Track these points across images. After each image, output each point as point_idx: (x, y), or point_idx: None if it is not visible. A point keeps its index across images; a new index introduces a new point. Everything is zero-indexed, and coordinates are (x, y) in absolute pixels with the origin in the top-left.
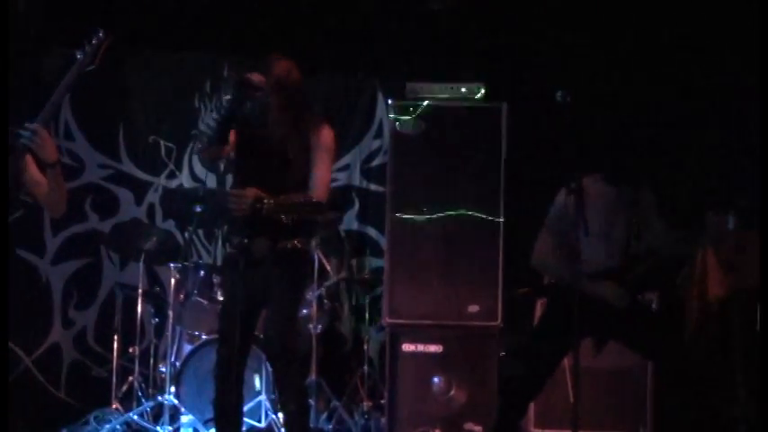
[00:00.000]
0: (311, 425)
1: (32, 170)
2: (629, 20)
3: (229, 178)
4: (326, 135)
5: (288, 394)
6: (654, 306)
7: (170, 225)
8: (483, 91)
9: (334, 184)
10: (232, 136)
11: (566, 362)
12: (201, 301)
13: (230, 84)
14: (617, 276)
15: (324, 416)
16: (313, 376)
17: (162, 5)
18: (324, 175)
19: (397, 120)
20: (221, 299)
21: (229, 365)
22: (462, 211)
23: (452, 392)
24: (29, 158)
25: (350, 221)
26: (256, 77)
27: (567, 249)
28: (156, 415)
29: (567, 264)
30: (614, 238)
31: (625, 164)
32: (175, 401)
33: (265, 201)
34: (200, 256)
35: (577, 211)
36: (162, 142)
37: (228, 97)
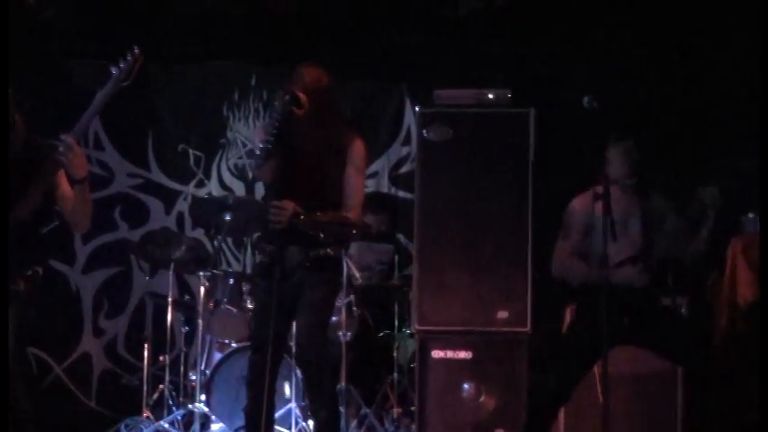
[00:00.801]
0: None
1: (63, 184)
2: (656, 24)
3: (258, 186)
4: (360, 149)
5: (318, 401)
6: (683, 310)
7: (199, 233)
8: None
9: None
10: None
11: (595, 368)
12: (231, 309)
13: (280, 100)
14: (635, 260)
15: (354, 423)
16: (343, 383)
17: (191, 15)
18: (359, 193)
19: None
20: (251, 307)
21: (262, 373)
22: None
23: (482, 399)
24: (61, 172)
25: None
26: (303, 96)
27: (586, 251)
28: (187, 423)
29: (589, 262)
30: (631, 235)
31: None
32: (206, 409)
33: (302, 216)
34: (229, 265)
35: (605, 214)
36: (191, 151)
37: (277, 114)
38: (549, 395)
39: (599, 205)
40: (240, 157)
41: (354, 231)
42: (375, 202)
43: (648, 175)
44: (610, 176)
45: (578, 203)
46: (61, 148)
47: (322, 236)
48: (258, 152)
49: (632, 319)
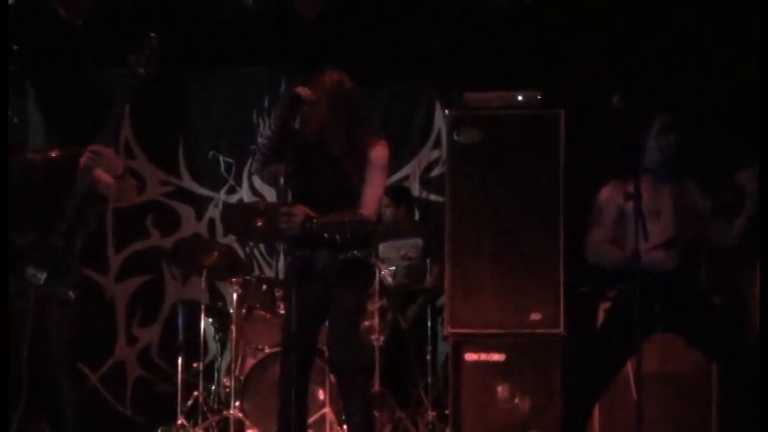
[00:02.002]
0: None
1: (102, 177)
2: (686, 23)
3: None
4: (382, 152)
5: (353, 406)
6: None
7: (231, 240)
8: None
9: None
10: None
11: (629, 368)
12: (264, 314)
13: (281, 100)
14: (667, 245)
15: (388, 427)
16: (376, 387)
17: (220, 22)
18: (376, 194)
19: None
20: (283, 312)
21: (293, 377)
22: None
23: (516, 401)
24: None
25: None
26: (305, 92)
27: (620, 237)
28: (222, 429)
29: (623, 248)
30: (663, 220)
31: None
32: (240, 415)
33: (315, 220)
34: (261, 271)
35: (636, 215)
36: (221, 157)
37: (278, 114)
38: (583, 392)
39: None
40: None
41: (370, 229)
42: (393, 193)
43: (682, 162)
44: (645, 165)
45: (606, 193)
46: (89, 159)
47: (338, 238)
48: (259, 155)
49: (663, 306)
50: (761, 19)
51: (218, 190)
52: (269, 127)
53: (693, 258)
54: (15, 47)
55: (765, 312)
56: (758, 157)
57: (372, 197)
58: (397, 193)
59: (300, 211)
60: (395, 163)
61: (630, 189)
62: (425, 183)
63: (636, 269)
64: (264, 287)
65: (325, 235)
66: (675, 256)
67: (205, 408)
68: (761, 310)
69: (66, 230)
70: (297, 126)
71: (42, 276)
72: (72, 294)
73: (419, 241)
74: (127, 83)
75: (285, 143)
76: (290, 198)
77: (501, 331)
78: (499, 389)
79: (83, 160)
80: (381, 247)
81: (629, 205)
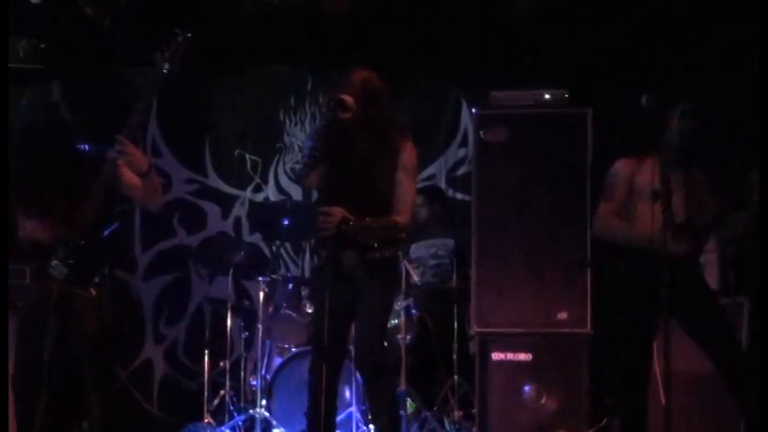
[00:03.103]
0: None
1: (127, 176)
2: (715, 21)
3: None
4: (411, 154)
5: (379, 405)
6: (745, 310)
7: (257, 238)
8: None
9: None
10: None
11: (656, 368)
12: (290, 313)
13: (326, 106)
14: (677, 229)
15: (415, 426)
16: (403, 387)
17: (246, 21)
18: (409, 198)
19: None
20: (310, 311)
21: (322, 376)
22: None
23: (543, 400)
24: (122, 166)
25: None
26: (347, 98)
27: (628, 213)
28: (248, 428)
29: (630, 225)
30: (674, 205)
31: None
32: (267, 414)
33: (351, 222)
34: (287, 269)
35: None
36: (247, 156)
37: (323, 120)
38: (627, 383)
39: (642, 172)
40: (297, 162)
41: (403, 235)
42: (427, 193)
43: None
44: (662, 146)
45: (622, 165)
46: (116, 152)
47: (370, 242)
48: (305, 160)
49: (670, 292)
50: (761, 19)
51: (244, 188)
52: (312, 131)
53: (700, 247)
54: (42, 45)
55: (765, 312)
56: (758, 157)
57: (406, 202)
58: (432, 193)
59: (338, 212)
60: (421, 162)
61: (643, 165)
62: (452, 181)
63: (660, 254)
64: (291, 286)
65: (359, 238)
66: (686, 241)
67: (231, 406)
68: (761, 310)
69: (91, 226)
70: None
71: (65, 271)
72: (93, 291)
73: (450, 241)
74: (152, 80)
75: (328, 147)
76: (318, 197)
77: (527, 331)
78: (526, 388)
79: (110, 153)
80: (413, 246)
81: (640, 181)
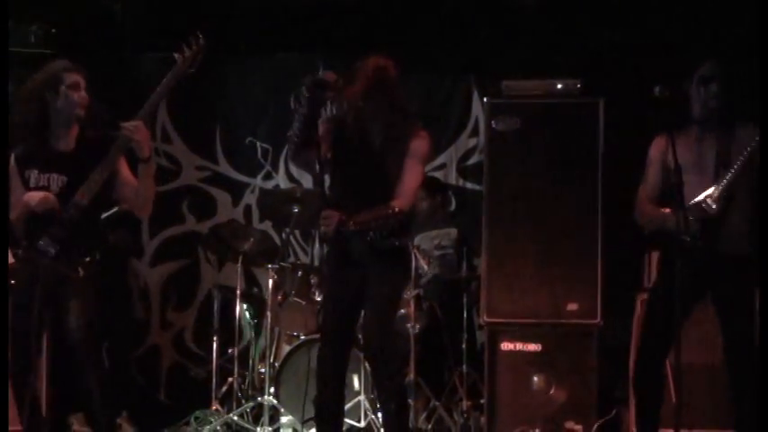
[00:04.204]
0: (410, 424)
1: (124, 171)
2: (727, 13)
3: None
4: (422, 142)
5: (387, 394)
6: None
7: (267, 226)
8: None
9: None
10: (326, 136)
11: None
12: (299, 301)
13: (306, 87)
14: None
15: (423, 415)
16: (411, 376)
17: (256, 7)
18: (412, 184)
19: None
20: (319, 299)
21: (331, 364)
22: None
23: (552, 391)
24: (122, 160)
25: None
26: (328, 76)
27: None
28: (256, 415)
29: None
30: (706, 172)
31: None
32: (275, 402)
33: (351, 223)
34: (297, 257)
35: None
36: (258, 143)
37: (303, 99)
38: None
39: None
40: None
41: (402, 219)
42: (427, 186)
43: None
44: (692, 116)
45: (653, 145)
46: (128, 129)
47: (373, 234)
48: (289, 142)
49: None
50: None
51: (254, 176)
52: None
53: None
54: (53, 30)
55: (765, 312)
56: (758, 156)
57: (408, 187)
58: (431, 185)
59: (334, 216)
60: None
61: (676, 141)
62: (462, 171)
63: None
64: (300, 273)
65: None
66: (717, 201)
67: (239, 394)
68: (761, 310)
69: (86, 206)
70: (330, 113)
71: (53, 250)
72: (81, 272)
73: (453, 231)
74: (171, 76)
75: (311, 130)
76: (327, 184)
77: (537, 321)
78: (535, 379)
79: (121, 133)
80: (417, 238)
81: (672, 159)
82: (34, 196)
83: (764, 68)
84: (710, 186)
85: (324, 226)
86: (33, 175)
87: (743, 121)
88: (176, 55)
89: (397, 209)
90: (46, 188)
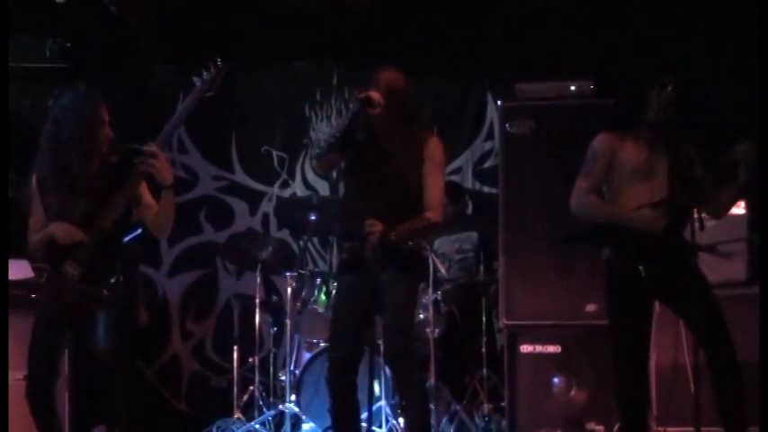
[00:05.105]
0: (432, 429)
1: (145, 195)
2: (738, 13)
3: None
4: (437, 149)
5: (409, 399)
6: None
7: (284, 234)
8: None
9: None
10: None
11: (687, 358)
12: (318, 308)
13: (353, 100)
14: (656, 205)
15: (444, 419)
16: (432, 380)
17: (270, 17)
18: (439, 194)
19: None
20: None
21: (341, 371)
22: None
23: (573, 393)
24: (143, 184)
25: None
26: (375, 95)
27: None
28: (278, 423)
29: (613, 203)
30: (656, 180)
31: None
32: (296, 409)
33: (393, 234)
34: (315, 264)
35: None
36: (274, 152)
37: (350, 113)
38: (626, 378)
39: (625, 148)
40: None
41: (435, 232)
42: (450, 192)
43: (681, 123)
44: (646, 120)
45: (601, 140)
46: (146, 157)
47: (410, 243)
48: (322, 143)
49: (650, 270)
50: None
51: (271, 184)
52: (324, 120)
53: (681, 224)
54: (68, 44)
55: (765, 311)
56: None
57: (437, 198)
58: (454, 191)
59: (377, 227)
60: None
61: (625, 142)
62: (478, 174)
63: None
64: (318, 281)
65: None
66: (664, 217)
67: (261, 402)
68: (761, 309)
69: (110, 230)
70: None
71: (77, 273)
72: (106, 292)
73: (473, 234)
74: (190, 99)
75: (347, 142)
76: (344, 193)
77: (556, 323)
78: (555, 380)
79: (140, 161)
80: (437, 241)
81: (622, 156)
82: (60, 229)
83: (765, 68)
84: (658, 195)
85: (369, 234)
86: (54, 199)
87: (688, 141)
88: (195, 79)
89: (433, 221)
90: (68, 213)
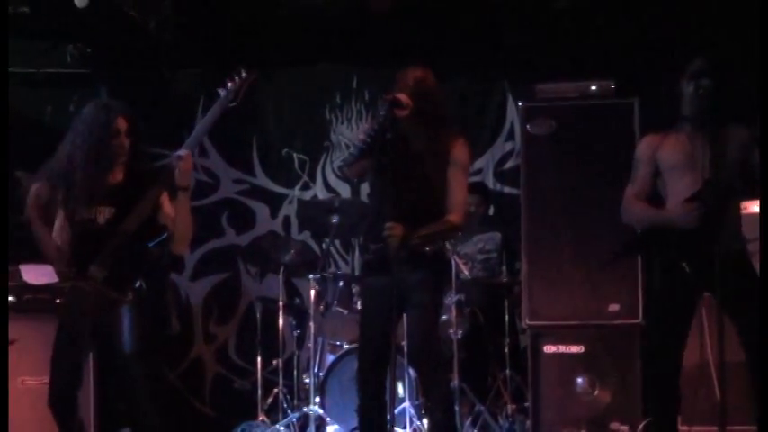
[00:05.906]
0: (457, 430)
1: (166, 204)
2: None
3: (364, 188)
4: (463, 151)
5: (434, 400)
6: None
7: (306, 236)
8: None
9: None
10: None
11: (710, 357)
12: (341, 310)
13: (382, 104)
14: (690, 200)
15: (468, 420)
16: (455, 381)
17: (290, 20)
18: (463, 197)
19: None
20: (360, 307)
21: (370, 372)
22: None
23: (596, 392)
24: (164, 193)
25: None
26: (403, 97)
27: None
28: (303, 425)
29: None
30: (696, 173)
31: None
32: (321, 411)
33: (415, 237)
34: (337, 267)
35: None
36: (295, 155)
37: (379, 117)
38: (660, 375)
39: (665, 147)
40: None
41: (456, 235)
42: (478, 192)
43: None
44: (683, 114)
45: (642, 145)
46: (176, 158)
47: (428, 249)
48: (353, 149)
49: (692, 265)
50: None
51: (292, 187)
52: (371, 122)
53: (722, 215)
54: (89, 50)
55: (765, 309)
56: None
57: (460, 201)
58: (482, 192)
59: (398, 230)
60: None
61: (665, 140)
62: (499, 176)
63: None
64: (341, 283)
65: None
66: (698, 210)
67: (285, 404)
68: (761, 307)
69: (134, 233)
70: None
71: (101, 275)
72: (130, 296)
73: (497, 234)
74: (217, 108)
75: (377, 146)
76: (369, 194)
77: (579, 323)
78: (579, 380)
79: (170, 164)
80: (459, 243)
81: (663, 157)
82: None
83: (765, 68)
84: (699, 184)
85: (389, 237)
86: (80, 208)
87: (734, 122)
88: (220, 90)
89: (455, 224)
90: (93, 221)
